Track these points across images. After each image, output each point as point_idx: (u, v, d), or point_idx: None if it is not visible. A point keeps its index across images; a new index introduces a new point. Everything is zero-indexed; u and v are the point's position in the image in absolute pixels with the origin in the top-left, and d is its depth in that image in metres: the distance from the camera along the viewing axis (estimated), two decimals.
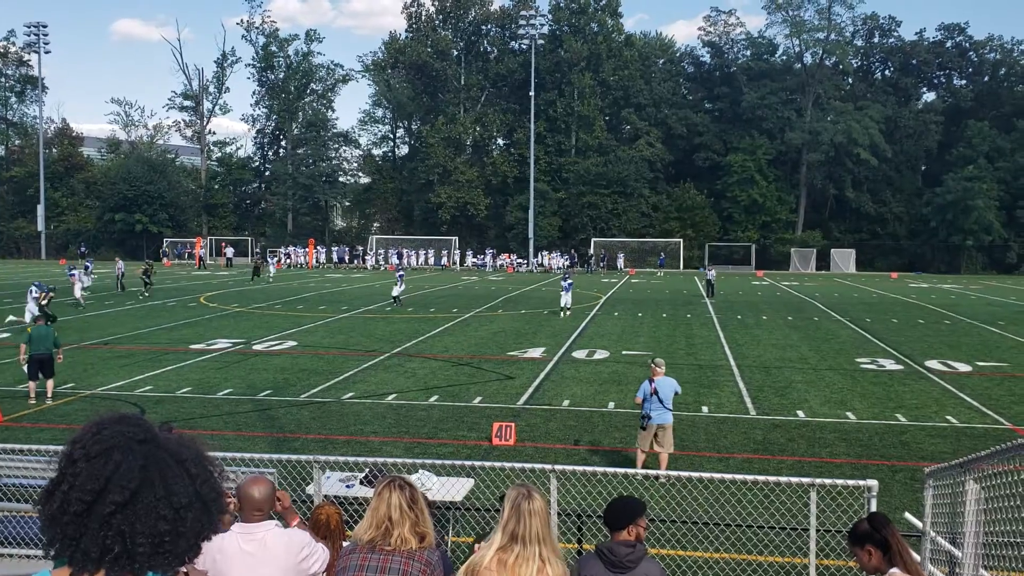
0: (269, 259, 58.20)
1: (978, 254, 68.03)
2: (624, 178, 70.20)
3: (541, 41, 69.62)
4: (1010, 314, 33.06)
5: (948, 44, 77.59)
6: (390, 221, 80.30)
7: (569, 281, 30.66)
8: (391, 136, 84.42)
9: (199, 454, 1.67)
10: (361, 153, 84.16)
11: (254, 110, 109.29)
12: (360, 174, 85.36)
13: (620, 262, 66.77)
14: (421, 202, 75.68)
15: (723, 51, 78.29)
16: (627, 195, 70.93)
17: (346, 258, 68.99)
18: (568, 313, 29.99)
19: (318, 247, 69.91)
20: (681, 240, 69.56)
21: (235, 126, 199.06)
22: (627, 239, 70.31)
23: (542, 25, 69.08)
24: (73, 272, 33.34)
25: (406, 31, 77.83)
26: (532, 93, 67.49)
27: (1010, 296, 42.56)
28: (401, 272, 35.93)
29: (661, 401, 11.17)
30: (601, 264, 65.26)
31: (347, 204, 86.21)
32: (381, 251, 69.89)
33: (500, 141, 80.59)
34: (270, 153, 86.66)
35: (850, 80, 78.11)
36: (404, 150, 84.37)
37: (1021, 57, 76.53)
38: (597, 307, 34.03)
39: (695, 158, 74.73)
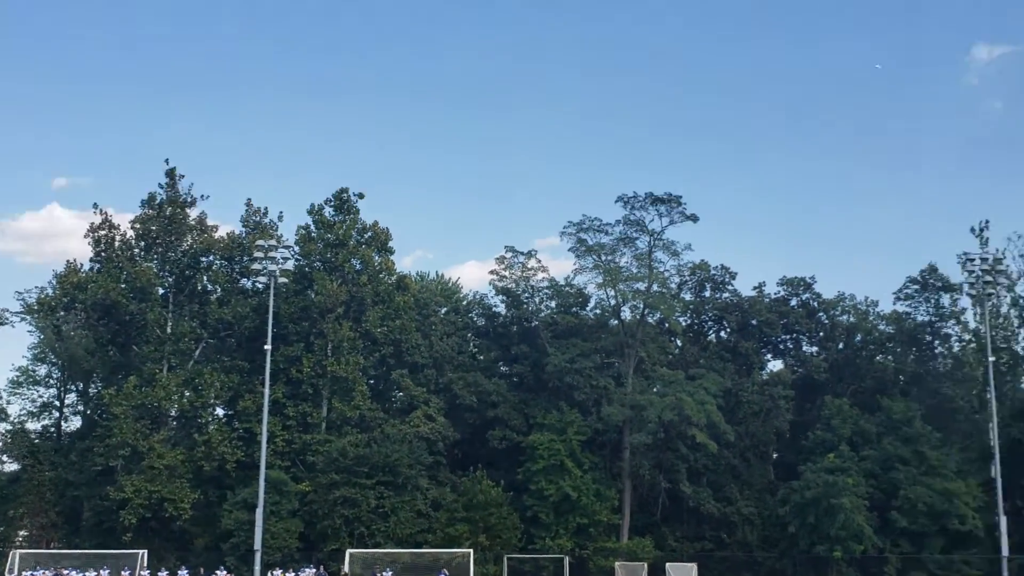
0: None
1: (849, 568, 73.21)
2: (394, 463, 71.27)
3: (284, 279, 71.36)
4: None
5: (793, 302, 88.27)
6: (44, 527, 75.55)
7: None
8: (57, 404, 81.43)
9: None
10: (10, 428, 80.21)
11: None
12: (4, 458, 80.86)
13: None
14: (95, 498, 72.24)
15: (521, 301, 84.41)
16: (398, 487, 71.66)
17: None
18: None
19: None
20: (471, 551, 70.05)
21: None
22: (397, 550, 69.77)
23: (285, 260, 70.77)
24: None
25: (92, 260, 78.20)
26: (268, 347, 68.08)
27: None
28: None
29: None
30: None
31: None
32: (27, 573, 65.03)
33: (220, 411, 79.84)
34: None
35: (679, 342, 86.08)
36: (75, 423, 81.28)
37: (879, 321, 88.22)
38: None
39: (489, 437, 77.62)
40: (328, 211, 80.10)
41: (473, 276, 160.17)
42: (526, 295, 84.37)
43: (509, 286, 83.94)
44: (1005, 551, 68.26)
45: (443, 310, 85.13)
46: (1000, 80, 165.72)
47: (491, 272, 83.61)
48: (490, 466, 76.52)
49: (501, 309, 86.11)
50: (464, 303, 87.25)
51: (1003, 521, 68.57)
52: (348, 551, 68.57)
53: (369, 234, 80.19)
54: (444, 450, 77.43)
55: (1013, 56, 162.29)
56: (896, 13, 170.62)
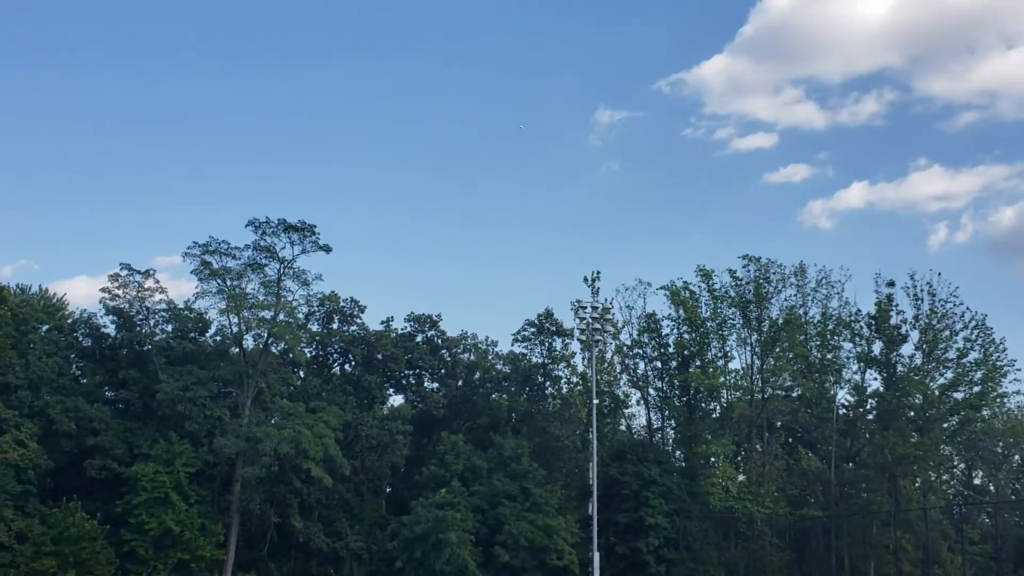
0: None
1: None
2: None
3: None
4: None
5: (419, 338, 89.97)
6: None
7: None
8: None
9: None
10: None
11: None
12: None
13: None
14: None
15: (135, 323, 79.95)
16: None
17: None
18: None
19: None
20: None
21: None
22: None
23: None
24: None
25: None
26: None
27: None
28: None
29: None
30: None
31: None
32: None
33: None
34: None
35: (302, 374, 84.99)
36: None
37: (496, 361, 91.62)
38: None
39: (87, 466, 72.91)
40: None
41: (82, 292, 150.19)
42: (140, 316, 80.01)
43: (122, 306, 79.25)
44: None
45: (44, 327, 78.90)
46: (618, 143, 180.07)
47: (102, 290, 78.69)
48: (87, 497, 71.82)
49: (111, 330, 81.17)
50: (69, 321, 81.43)
51: (596, 557, 72.90)
52: None
53: None
54: (35, 479, 71.60)
55: (630, 121, 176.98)
56: (533, 75, 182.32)
